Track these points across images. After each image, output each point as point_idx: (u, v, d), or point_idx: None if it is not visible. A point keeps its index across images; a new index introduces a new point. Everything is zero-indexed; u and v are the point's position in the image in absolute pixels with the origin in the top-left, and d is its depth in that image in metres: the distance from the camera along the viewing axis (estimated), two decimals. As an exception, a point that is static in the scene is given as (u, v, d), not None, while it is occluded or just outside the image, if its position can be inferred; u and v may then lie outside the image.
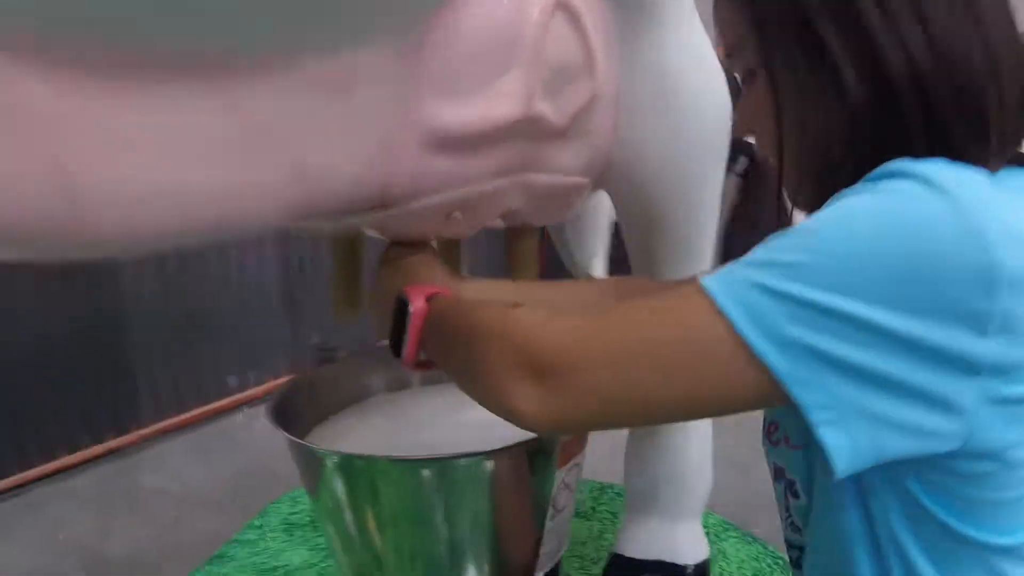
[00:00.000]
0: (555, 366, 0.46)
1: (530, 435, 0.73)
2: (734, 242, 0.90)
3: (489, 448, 0.77)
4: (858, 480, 0.49)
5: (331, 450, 0.84)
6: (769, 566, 1.17)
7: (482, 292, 0.72)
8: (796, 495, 0.60)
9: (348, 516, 0.84)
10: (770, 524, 1.29)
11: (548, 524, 0.86)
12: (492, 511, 0.81)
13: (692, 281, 0.46)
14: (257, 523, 1.35)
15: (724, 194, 0.96)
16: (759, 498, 1.46)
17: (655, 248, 0.94)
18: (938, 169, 0.43)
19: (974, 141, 0.48)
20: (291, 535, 1.30)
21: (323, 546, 1.23)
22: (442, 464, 0.78)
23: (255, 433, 1.98)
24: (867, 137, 0.49)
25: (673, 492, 1.01)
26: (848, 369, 0.41)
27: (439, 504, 0.80)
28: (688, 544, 1.01)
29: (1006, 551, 0.48)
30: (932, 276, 0.40)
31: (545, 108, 0.74)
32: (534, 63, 0.69)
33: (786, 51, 0.51)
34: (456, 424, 0.94)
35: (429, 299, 0.63)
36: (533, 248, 0.95)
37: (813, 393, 0.41)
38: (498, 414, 0.51)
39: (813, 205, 0.53)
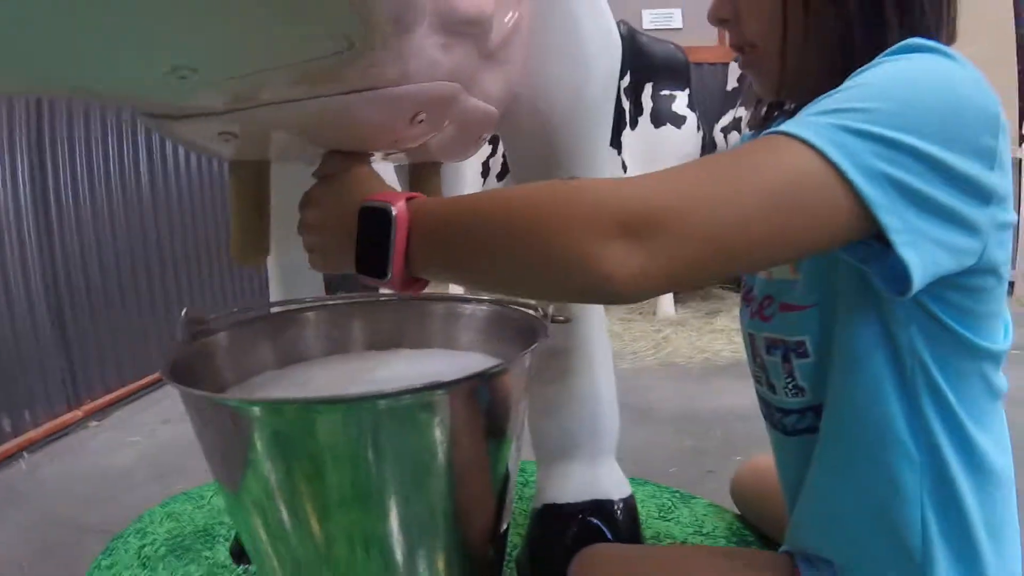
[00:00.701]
0: (653, 218, 0.45)
1: (483, 367, 0.69)
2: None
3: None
4: (882, 315, 0.57)
5: (265, 399, 0.72)
6: (669, 500, 1.27)
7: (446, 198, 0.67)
8: (805, 355, 0.64)
9: (281, 486, 0.68)
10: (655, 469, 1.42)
11: (511, 465, 0.81)
12: (454, 453, 0.70)
13: (767, 136, 0.49)
14: (106, 563, 1.15)
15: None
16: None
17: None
18: (947, 48, 0.53)
19: (935, 21, 0.59)
20: (154, 570, 1.12)
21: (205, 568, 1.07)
22: (397, 399, 0.65)
23: (44, 483, 1.69)
24: (861, 19, 0.58)
25: (589, 434, 1.02)
26: (916, 196, 0.47)
27: (393, 449, 0.67)
28: (611, 482, 1.02)
29: (993, 357, 0.59)
30: (964, 118, 0.49)
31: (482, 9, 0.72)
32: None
33: None
34: (374, 384, 0.85)
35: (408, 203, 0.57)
36: (438, 188, 0.91)
37: (894, 218, 0.47)
38: (582, 290, 0.48)
39: (809, 79, 0.61)
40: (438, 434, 0.68)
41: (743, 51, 0.66)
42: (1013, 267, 4.45)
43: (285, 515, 0.70)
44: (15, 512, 1.53)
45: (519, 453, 0.82)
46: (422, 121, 0.67)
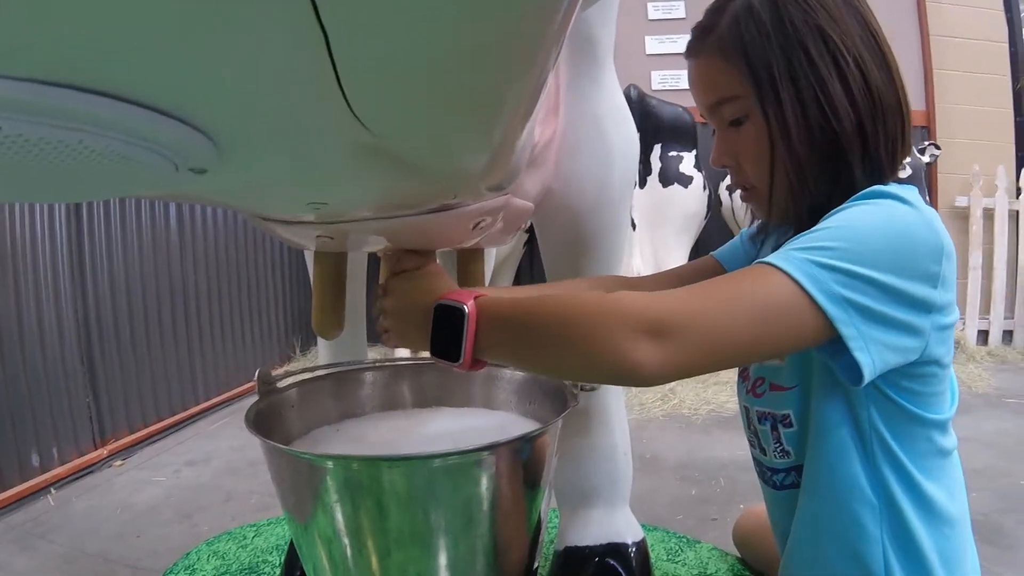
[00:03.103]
0: (671, 326, 0.62)
1: (525, 430, 0.86)
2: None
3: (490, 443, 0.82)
4: (846, 395, 0.76)
5: (336, 455, 0.87)
6: (676, 544, 1.43)
7: (503, 294, 0.84)
8: (789, 425, 0.82)
9: (348, 526, 0.84)
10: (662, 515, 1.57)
11: (544, 511, 0.95)
12: (498, 503, 0.85)
13: (757, 264, 0.68)
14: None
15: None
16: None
17: (579, 262, 1.14)
18: (902, 191, 0.72)
19: (889, 161, 0.78)
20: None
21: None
22: (451, 458, 0.81)
23: (72, 518, 1.83)
24: (832, 164, 0.77)
25: (608, 484, 1.19)
26: (869, 313, 0.65)
27: (445, 499, 0.82)
28: (626, 527, 1.19)
29: (939, 425, 0.77)
30: (913, 252, 0.68)
31: (536, 134, 0.91)
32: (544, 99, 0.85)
33: (778, 102, 0.76)
34: (423, 439, 1.02)
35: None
36: (482, 268, 1.09)
37: (851, 330, 0.65)
38: (614, 374, 0.64)
39: (793, 214, 0.81)
40: (484, 486, 0.84)
41: (744, 188, 0.85)
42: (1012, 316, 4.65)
43: (349, 549, 0.85)
44: (46, 545, 1.66)
45: (550, 501, 0.99)
46: (481, 226, 0.86)
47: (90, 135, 0.37)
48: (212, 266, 2.93)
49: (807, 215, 0.75)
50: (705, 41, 0.82)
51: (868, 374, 0.66)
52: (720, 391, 2.82)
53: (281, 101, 0.43)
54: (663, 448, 2.20)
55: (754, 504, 1.31)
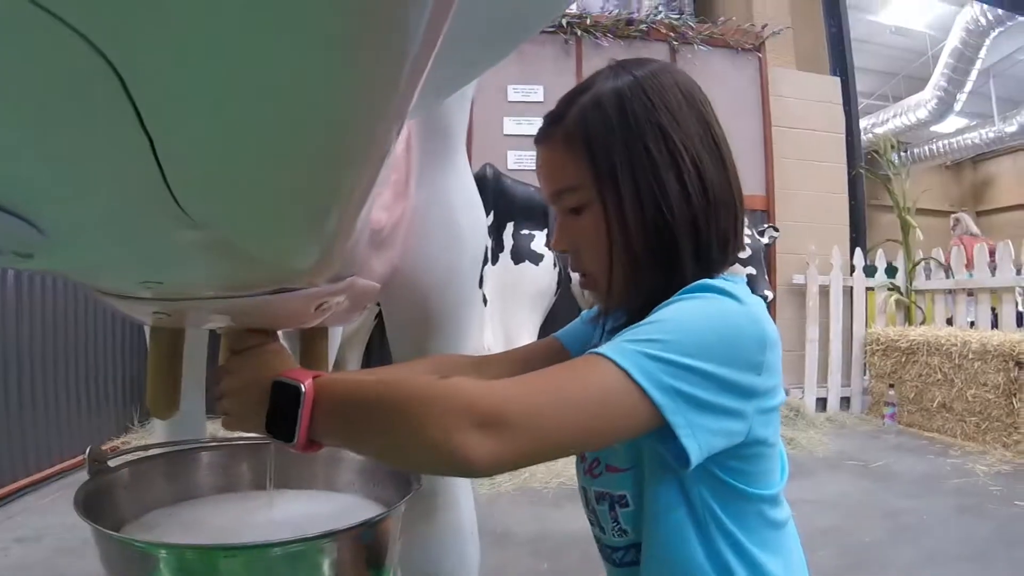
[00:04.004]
0: (503, 417, 0.64)
1: (368, 515, 0.86)
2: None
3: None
4: (678, 477, 0.80)
5: (170, 543, 0.84)
6: None
7: (344, 376, 0.85)
8: (626, 505, 0.85)
9: None
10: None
11: None
12: None
13: (590, 355, 0.72)
14: None
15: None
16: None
17: (426, 341, 1.17)
18: (729, 285, 0.78)
19: (720, 256, 0.84)
20: None
21: None
22: (291, 546, 0.79)
23: None
24: (665, 256, 0.82)
25: (457, 565, 1.19)
26: (695, 401, 0.70)
27: None
28: (474, 608, 1.18)
29: (768, 499, 0.82)
30: (738, 342, 0.74)
31: (383, 217, 0.93)
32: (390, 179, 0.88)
33: (617, 194, 0.80)
34: (262, 525, 1.00)
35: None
36: (325, 348, 1.09)
37: (679, 418, 0.70)
38: (445, 465, 0.66)
39: (628, 301, 0.86)
40: (325, 573, 0.82)
41: (582, 275, 0.90)
42: (848, 384, 5.03)
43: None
44: None
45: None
46: (324, 308, 0.86)
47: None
48: (49, 328, 2.77)
49: (640, 305, 0.80)
50: (553, 130, 0.87)
51: (695, 459, 0.71)
52: (570, 464, 2.83)
53: (108, 196, 0.44)
54: (514, 523, 2.23)
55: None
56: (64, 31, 0.27)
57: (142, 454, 1.05)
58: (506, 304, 3.44)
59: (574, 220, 0.87)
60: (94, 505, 0.90)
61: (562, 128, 0.86)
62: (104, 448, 1.00)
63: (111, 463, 0.99)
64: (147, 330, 1.00)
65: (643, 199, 0.81)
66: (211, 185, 0.43)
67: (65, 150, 0.36)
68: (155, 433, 1.36)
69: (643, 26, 4.99)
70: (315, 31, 0.30)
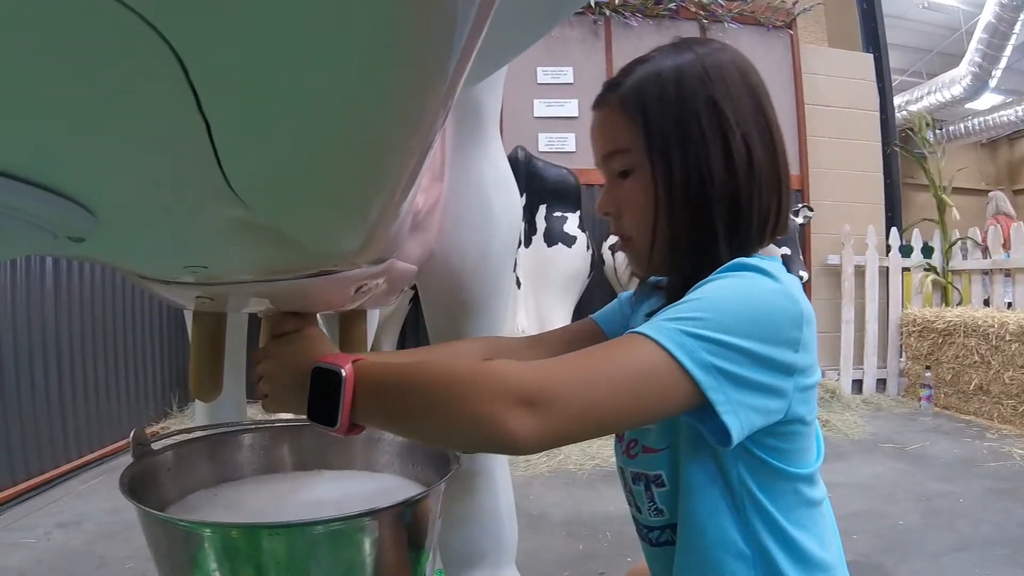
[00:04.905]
0: (543, 396, 0.65)
1: (408, 494, 0.87)
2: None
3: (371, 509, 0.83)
4: (714, 456, 0.80)
5: (214, 522, 0.85)
6: None
7: (383, 358, 0.86)
8: (662, 485, 0.86)
9: None
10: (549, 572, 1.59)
11: (426, 573, 0.96)
12: (380, 568, 0.86)
13: (630, 334, 0.72)
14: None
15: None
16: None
17: (461, 324, 1.18)
18: (765, 263, 0.78)
19: (759, 234, 0.84)
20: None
21: None
22: (332, 524, 0.81)
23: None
24: (701, 226, 0.83)
25: (494, 545, 1.20)
26: (735, 378, 0.71)
27: (326, 569, 0.82)
28: (510, 587, 1.20)
29: (804, 478, 0.82)
30: (773, 319, 0.74)
31: (419, 200, 0.94)
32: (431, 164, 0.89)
33: (665, 162, 0.81)
34: (303, 505, 1.02)
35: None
36: (364, 331, 1.11)
37: (719, 395, 0.70)
38: (490, 442, 0.67)
39: (666, 269, 0.87)
40: (366, 552, 0.85)
41: (623, 239, 0.91)
42: (884, 366, 4.97)
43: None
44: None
45: (435, 564, 1.00)
46: (363, 290, 0.88)
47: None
48: (88, 316, 2.82)
49: (678, 285, 0.81)
50: (610, 95, 0.88)
51: (736, 436, 0.71)
52: (605, 446, 2.89)
53: (162, 180, 0.45)
54: (549, 504, 2.24)
55: (641, 558, 1.35)
56: (130, 17, 0.28)
57: (184, 437, 1.08)
58: (539, 287, 3.45)
59: (621, 184, 0.88)
60: (139, 487, 0.93)
61: (618, 93, 0.87)
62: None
63: (154, 446, 1.02)
64: (187, 315, 1.02)
65: (689, 169, 0.82)
66: (265, 169, 0.44)
67: (124, 133, 0.37)
68: (196, 416, 1.38)
69: (672, 5, 4.92)
70: (374, 22, 0.31)
